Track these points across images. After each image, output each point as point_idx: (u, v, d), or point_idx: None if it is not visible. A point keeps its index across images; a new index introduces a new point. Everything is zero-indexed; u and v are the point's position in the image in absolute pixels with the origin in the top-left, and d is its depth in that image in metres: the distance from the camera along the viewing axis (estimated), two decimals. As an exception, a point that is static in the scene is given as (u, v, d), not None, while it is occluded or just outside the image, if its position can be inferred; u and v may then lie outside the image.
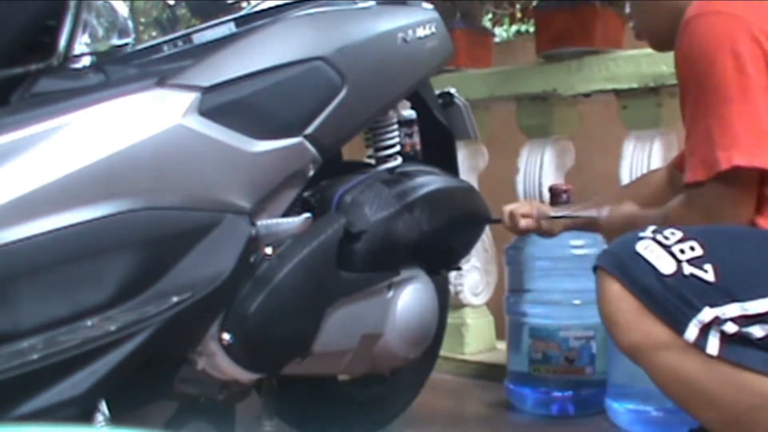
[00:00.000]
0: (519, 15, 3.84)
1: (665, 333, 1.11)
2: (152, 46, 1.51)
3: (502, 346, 2.48)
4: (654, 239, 1.15)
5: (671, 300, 1.11)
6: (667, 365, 1.13)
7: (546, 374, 2.12)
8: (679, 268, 1.11)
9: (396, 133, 1.79)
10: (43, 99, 1.32)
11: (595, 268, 1.23)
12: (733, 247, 1.16)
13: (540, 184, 2.46)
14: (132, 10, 1.55)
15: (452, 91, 1.96)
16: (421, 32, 1.74)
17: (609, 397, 2.02)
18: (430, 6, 1.84)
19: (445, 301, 2.02)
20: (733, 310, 1.09)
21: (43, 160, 1.22)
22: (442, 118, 1.92)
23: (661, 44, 1.50)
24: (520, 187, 2.51)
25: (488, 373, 2.55)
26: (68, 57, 1.37)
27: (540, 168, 2.48)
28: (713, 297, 1.09)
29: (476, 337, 2.72)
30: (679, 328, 1.10)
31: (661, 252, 1.13)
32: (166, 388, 1.48)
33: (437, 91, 1.95)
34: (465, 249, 1.95)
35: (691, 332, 1.10)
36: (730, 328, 1.09)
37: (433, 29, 1.78)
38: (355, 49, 1.60)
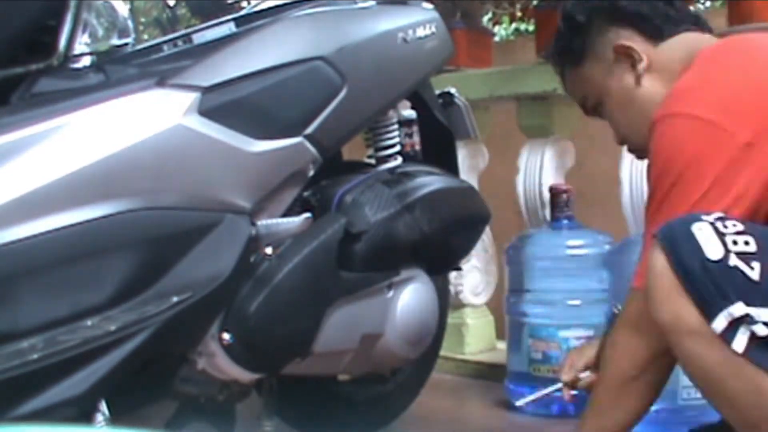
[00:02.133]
0: (519, 14, 3.84)
1: (694, 318, 1.08)
2: (152, 46, 1.51)
3: (502, 346, 2.48)
4: (712, 224, 1.10)
5: (708, 286, 1.07)
6: (691, 352, 1.10)
7: (546, 374, 2.11)
8: (726, 257, 1.07)
9: (396, 133, 1.79)
10: (43, 99, 1.32)
11: (655, 237, 1.17)
12: None
13: (540, 184, 2.45)
14: (132, 10, 1.55)
15: (452, 91, 1.96)
16: (421, 32, 1.74)
17: (609, 397, 2.02)
18: (430, 6, 1.84)
19: (445, 301, 2.02)
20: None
21: (43, 160, 1.22)
22: (442, 118, 1.92)
23: (639, 151, 1.41)
24: (520, 187, 2.51)
25: (488, 373, 2.54)
26: (68, 57, 1.37)
27: (540, 168, 2.47)
28: (752, 295, 1.05)
29: (476, 337, 2.72)
30: (709, 317, 1.07)
31: (714, 237, 1.08)
32: (166, 388, 1.48)
33: (437, 91, 1.94)
34: (465, 249, 1.95)
35: (719, 323, 1.06)
36: (762, 330, 1.05)
37: (433, 29, 1.78)
38: (355, 49, 1.60)
